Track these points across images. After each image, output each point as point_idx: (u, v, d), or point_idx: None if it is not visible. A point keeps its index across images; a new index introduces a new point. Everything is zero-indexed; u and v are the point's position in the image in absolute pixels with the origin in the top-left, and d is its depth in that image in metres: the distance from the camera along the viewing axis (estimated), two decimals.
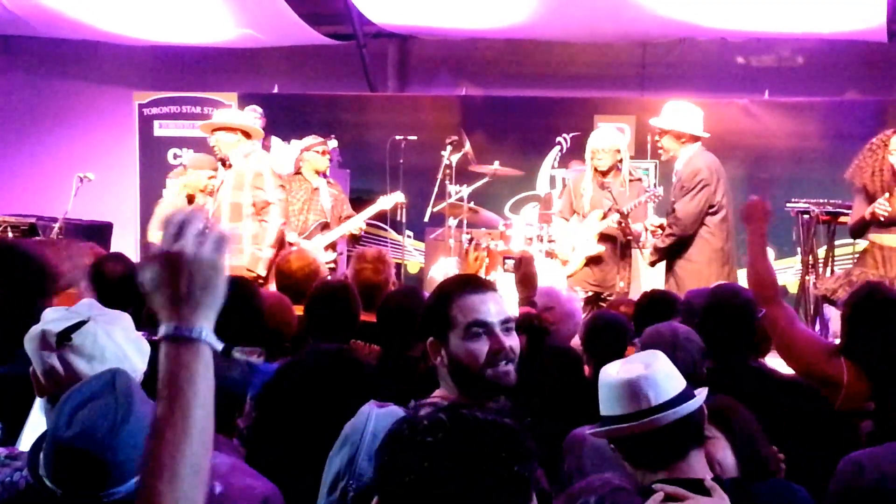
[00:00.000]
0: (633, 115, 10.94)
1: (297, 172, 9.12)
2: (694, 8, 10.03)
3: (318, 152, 9.06)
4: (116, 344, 3.05)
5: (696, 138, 7.89)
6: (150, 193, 11.25)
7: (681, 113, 7.91)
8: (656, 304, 5.05)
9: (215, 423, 1.79)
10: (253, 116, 10.46)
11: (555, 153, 11.06)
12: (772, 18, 10.04)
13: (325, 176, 9.17)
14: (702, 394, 2.75)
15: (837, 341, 4.29)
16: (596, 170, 8.04)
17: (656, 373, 2.69)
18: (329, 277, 6.85)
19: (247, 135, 8.03)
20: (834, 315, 7.69)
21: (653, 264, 8.09)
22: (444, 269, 9.10)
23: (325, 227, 8.97)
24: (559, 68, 11.85)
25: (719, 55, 11.34)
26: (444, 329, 2.76)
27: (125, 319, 3.19)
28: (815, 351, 4.05)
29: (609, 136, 8.26)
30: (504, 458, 1.74)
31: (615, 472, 2.79)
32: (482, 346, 2.74)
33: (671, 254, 7.78)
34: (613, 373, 2.73)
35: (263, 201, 7.86)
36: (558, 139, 11.08)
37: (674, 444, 2.67)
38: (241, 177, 7.92)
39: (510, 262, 5.83)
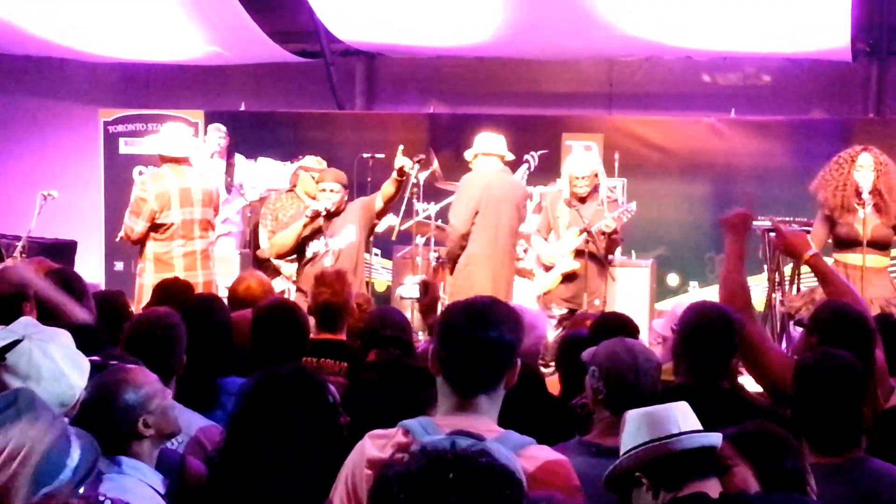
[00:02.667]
0: (601, 133, 10.97)
1: (291, 190, 9.08)
2: (660, 27, 10.07)
3: (313, 177, 9.01)
4: (53, 361, 3.00)
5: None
6: (115, 211, 11.15)
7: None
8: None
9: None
10: (217, 136, 10.44)
11: (522, 171, 11.04)
12: (737, 38, 10.09)
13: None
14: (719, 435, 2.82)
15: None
16: (574, 195, 8.09)
17: (682, 407, 2.80)
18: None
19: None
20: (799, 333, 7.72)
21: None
22: (410, 287, 9.07)
23: None
24: (527, 86, 11.88)
25: (686, 74, 11.39)
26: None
27: (63, 336, 3.14)
28: (784, 367, 4.03)
29: (587, 163, 8.34)
30: (510, 493, 1.78)
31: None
32: None
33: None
34: (637, 410, 2.83)
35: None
36: (526, 157, 11.07)
37: (697, 466, 2.73)
38: None
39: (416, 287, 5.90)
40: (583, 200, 8.10)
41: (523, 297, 8.39)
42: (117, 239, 7.67)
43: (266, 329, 4.73)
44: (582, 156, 8.64)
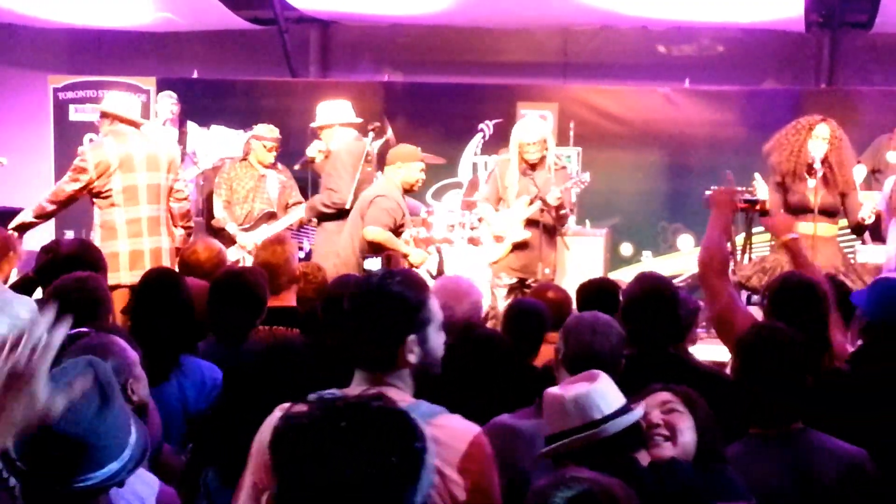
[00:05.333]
0: (556, 102, 10.98)
1: (244, 159, 9.00)
2: None
3: (265, 146, 8.94)
4: None
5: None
6: None
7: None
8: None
9: None
10: (169, 103, 10.33)
11: (477, 140, 11.05)
12: (692, 7, 10.13)
13: (273, 164, 9.07)
14: (640, 407, 2.88)
15: None
16: (525, 161, 8.05)
17: (601, 388, 2.81)
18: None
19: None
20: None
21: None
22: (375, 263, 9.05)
23: (271, 216, 8.86)
24: (482, 55, 11.85)
25: (640, 43, 11.41)
26: (425, 324, 2.77)
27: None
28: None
29: (537, 129, 8.27)
30: (403, 440, 1.79)
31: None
32: (443, 339, 2.85)
33: None
34: (559, 393, 2.84)
35: None
36: (481, 126, 11.07)
37: (622, 450, 2.77)
38: None
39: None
40: (533, 167, 8.07)
41: (474, 265, 8.40)
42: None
43: (221, 298, 4.72)
44: (531, 122, 8.59)
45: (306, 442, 1.77)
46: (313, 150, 8.78)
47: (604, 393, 2.80)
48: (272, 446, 1.85)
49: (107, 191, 7.22)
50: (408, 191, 7.87)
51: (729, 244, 8.50)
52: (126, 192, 7.26)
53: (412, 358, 2.73)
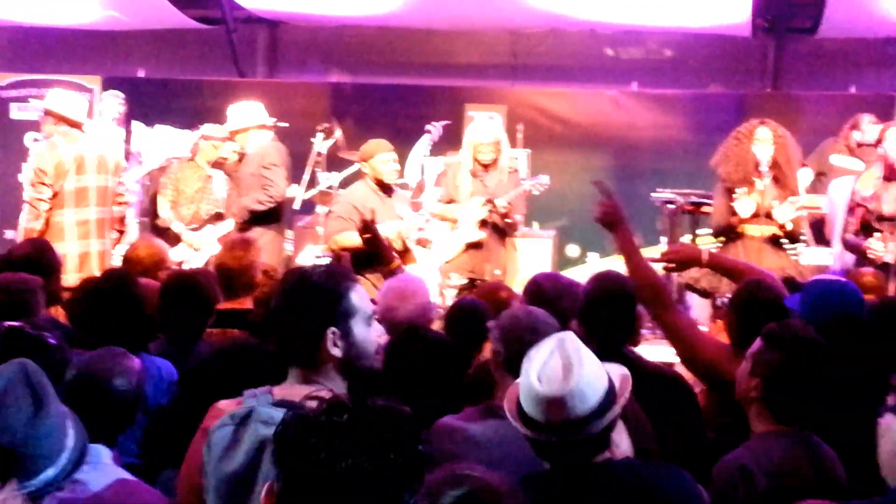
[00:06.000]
0: (505, 104, 11.00)
1: (191, 159, 8.92)
2: None
3: (213, 146, 8.87)
4: None
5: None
6: (5, 178, 10.90)
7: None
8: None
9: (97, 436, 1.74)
10: (115, 103, 10.22)
11: (425, 142, 11.02)
12: (640, 11, 10.19)
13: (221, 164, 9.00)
14: (621, 401, 2.78)
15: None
16: (478, 163, 8.07)
17: (574, 387, 2.69)
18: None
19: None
20: (697, 303, 7.85)
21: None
22: (311, 256, 9.01)
23: (218, 216, 8.79)
24: (430, 57, 11.85)
25: (589, 46, 11.46)
26: (346, 316, 2.72)
27: None
28: (720, 353, 4.05)
29: (491, 130, 8.29)
30: (405, 438, 1.80)
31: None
32: (375, 333, 2.80)
33: None
34: (535, 376, 2.73)
35: None
36: (427, 127, 11.05)
37: (594, 447, 2.72)
38: None
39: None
40: (486, 168, 8.08)
41: (424, 266, 8.38)
42: (27, 222, 7.27)
43: (172, 300, 4.68)
44: (485, 123, 8.62)
45: (312, 436, 1.78)
46: (227, 152, 8.74)
47: (581, 395, 2.69)
48: (277, 439, 1.85)
49: (60, 192, 7.14)
50: (383, 185, 7.77)
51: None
52: (78, 194, 7.18)
53: (335, 352, 2.69)
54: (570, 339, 2.80)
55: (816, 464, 3.25)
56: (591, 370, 2.74)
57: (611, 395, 2.75)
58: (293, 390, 2.66)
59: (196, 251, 8.49)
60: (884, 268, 6.96)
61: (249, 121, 8.58)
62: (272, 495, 1.83)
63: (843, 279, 4.64)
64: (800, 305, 4.07)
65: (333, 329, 2.68)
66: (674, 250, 5.09)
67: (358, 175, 9.02)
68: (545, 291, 4.40)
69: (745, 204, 7.11)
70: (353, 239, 7.21)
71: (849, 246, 7.47)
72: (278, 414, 2.52)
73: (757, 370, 3.36)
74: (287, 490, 1.80)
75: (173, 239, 8.53)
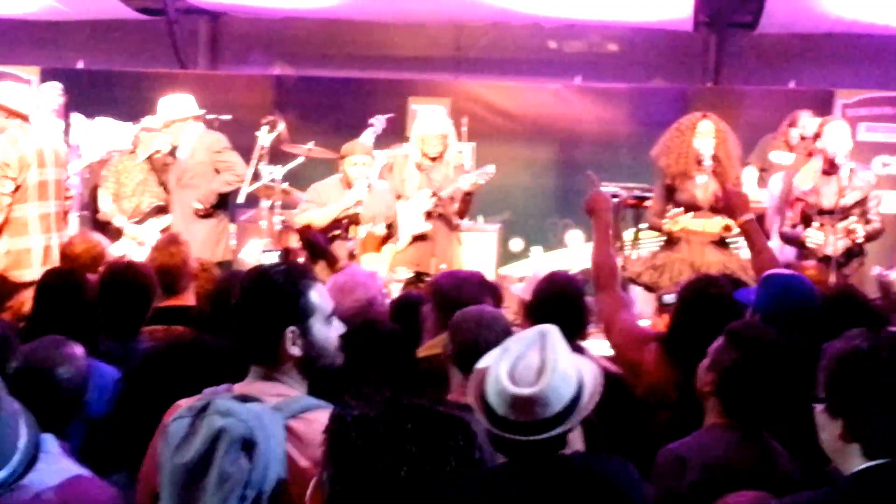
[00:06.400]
0: (448, 97, 11.00)
1: (133, 151, 8.82)
2: None
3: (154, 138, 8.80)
4: None
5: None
6: None
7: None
8: None
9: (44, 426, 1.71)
10: (54, 94, 10.07)
11: (368, 134, 10.98)
12: (584, 5, 10.23)
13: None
14: (592, 399, 2.77)
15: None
16: (425, 155, 8.08)
17: (547, 387, 2.66)
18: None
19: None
20: (640, 297, 7.90)
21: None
22: (255, 251, 8.96)
23: (161, 210, 8.70)
24: (374, 49, 11.81)
25: (533, 40, 11.49)
26: (306, 315, 2.73)
27: None
28: (629, 338, 4.14)
29: (439, 123, 8.31)
30: (464, 445, 1.83)
31: None
32: (335, 332, 2.80)
33: None
34: (505, 374, 2.69)
35: None
36: (371, 121, 11.01)
37: (555, 446, 2.71)
38: None
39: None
40: (433, 161, 8.09)
41: (374, 259, 8.37)
42: None
43: (109, 293, 4.62)
44: (433, 116, 8.63)
45: (372, 438, 1.78)
46: (162, 144, 8.66)
47: (550, 397, 2.66)
48: (332, 436, 1.83)
49: (23, 185, 7.03)
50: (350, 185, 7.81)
51: (618, 240, 8.68)
52: (40, 188, 7.07)
53: (295, 350, 2.71)
54: (552, 334, 2.76)
55: (762, 459, 3.29)
56: (563, 372, 2.71)
57: (579, 396, 2.73)
58: (254, 387, 2.68)
59: (139, 245, 8.40)
60: (825, 260, 7.06)
61: (186, 112, 8.52)
62: (320, 492, 1.81)
63: (797, 274, 4.71)
64: (756, 300, 4.12)
65: (293, 328, 2.70)
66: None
67: (302, 167, 9.06)
68: (443, 289, 4.42)
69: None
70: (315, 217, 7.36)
71: (787, 238, 7.56)
72: (236, 406, 2.52)
73: (714, 366, 3.42)
74: (340, 490, 1.78)
75: (115, 233, 8.44)
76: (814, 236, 7.28)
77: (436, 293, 4.45)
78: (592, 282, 4.59)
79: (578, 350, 4.00)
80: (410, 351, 4.25)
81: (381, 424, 1.80)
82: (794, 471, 3.31)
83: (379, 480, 1.76)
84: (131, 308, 4.64)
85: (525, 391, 2.64)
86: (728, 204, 5.38)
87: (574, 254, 10.37)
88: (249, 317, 2.73)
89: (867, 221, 7.39)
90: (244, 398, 2.58)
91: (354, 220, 7.70)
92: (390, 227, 7.88)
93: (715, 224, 7.12)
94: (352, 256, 7.71)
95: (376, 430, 1.79)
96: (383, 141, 10.49)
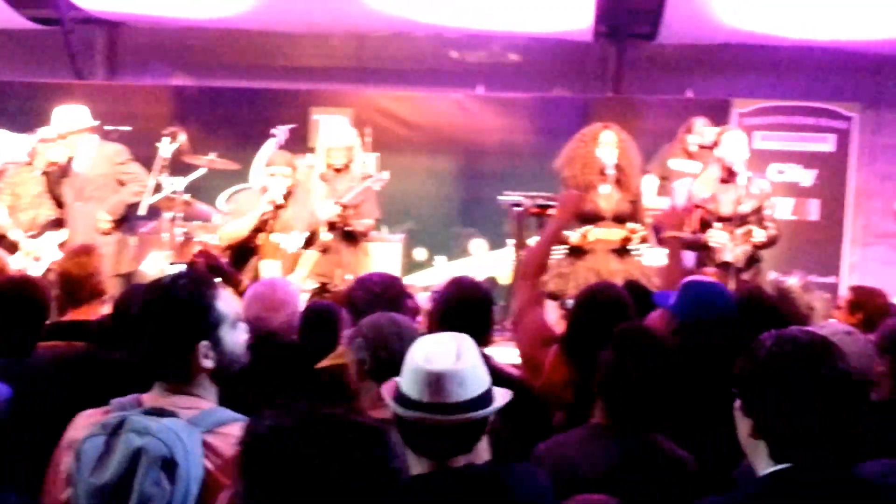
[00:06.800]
0: (351, 107, 10.98)
1: (30, 163, 8.63)
2: (410, 3, 10.15)
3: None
4: None
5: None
6: None
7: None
8: None
9: None
10: None
11: (270, 145, 10.91)
12: (485, 16, 10.28)
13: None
14: (504, 397, 2.78)
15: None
16: (330, 166, 8.08)
17: (464, 369, 2.68)
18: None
19: None
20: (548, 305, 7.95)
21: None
22: (157, 263, 8.83)
23: (58, 223, 8.52)
24: (275, 60, 11.73)
25: (435, 50, 11.51)
26: (215, 326, 2.69)
27: None
28: (535, 335, 4.17)
29: (345, 135, 8.33)
30: (380, 454, 1.79)
31: None
32: (242, 335, 2.79)
33: None
34: (422, 357, 2.71)
35: None
36: (274, 131, 10.95)
37: (466, 438, 2.70)
38: None
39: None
40: (338, 173, 8.09)
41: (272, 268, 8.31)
42: None
43: (2, 309, 4.50)
44: (339, 128, 8.65)
45: (284, 449, 1.74)
46: (59, 155, 8.51)
47: (462, 378, 2.68)
48: (245, 449, 1.79)
49: None
50: None
51: (522, 249, 8.73)
52: None
53: (207, 364, 2.68)
54: (467, 338, 2.81)
55: (629, 461, 3.33)
56: (477, 364, 2.74)
57: (491, 393, 2.75)
58: (166, 401, 2.63)
59: (36, 260, 8.23)
60: (724, 267, 7.19)
61: (82, 123, 8.39)
62: None
63: (715, 281, 4.81)
64: (676, 306, 4.18)
65: (205, 342, 2.67)
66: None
67: (204, 179, 8.97)
68: (356, 300, 4.41)
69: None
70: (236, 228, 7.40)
71: (687, 244, 7.68)
72: (153, 424, 2.47)
73: (600, 367, 3.46)
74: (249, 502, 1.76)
75: (10, 246, 8.27)
76: (717, 236, 7.42)
77: (351, 302, 4.42)
78: (522, 274, 4.64)
79: (483, 357, 4.03)
80: (312, 362, 4.23)
81: (294, 435, 1.78)
82: (679, 475, 3.35)
83: (292, 493, 1.74)
84: (24, 324, 4.51)
85: (441, 367, 2.66)
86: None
87: (478, 262, 10.42)
88: (157, 332, 2.67)
89: (763, 229, 7.55)
90: (159, 412, 2.54)
91: (262, 227, 7.61)
92: (313, 235, 7.80)
93: (617, 233, 7.21)
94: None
95: (290, 442, 1.77)
96: (287, 151, 10.43)
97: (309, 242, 7.75)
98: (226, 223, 7.82)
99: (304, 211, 7.74)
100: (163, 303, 2.67)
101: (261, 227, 7.58)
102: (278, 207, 7.60)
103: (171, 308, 2.65)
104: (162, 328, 2.66)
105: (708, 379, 3.51)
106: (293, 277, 7.16)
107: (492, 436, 2.87)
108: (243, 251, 7.61)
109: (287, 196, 7.64)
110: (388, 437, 1.83)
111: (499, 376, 4.00)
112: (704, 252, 7.52)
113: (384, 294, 4.32)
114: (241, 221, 7.61)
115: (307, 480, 1.73)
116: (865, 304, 5.72)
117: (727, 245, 7.41)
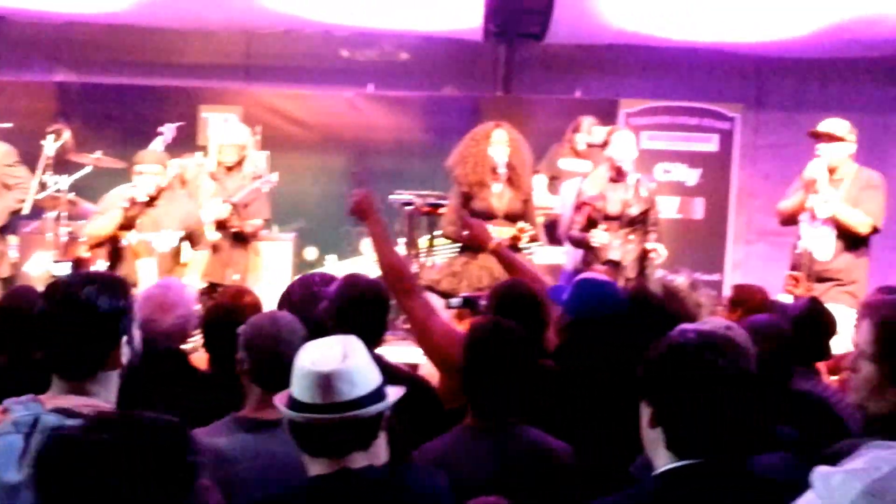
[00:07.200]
0: (240, 105, 10.87)
1: None
2: (299, 1, 10.10)
3: None
4: None
5: None
6: None
7: None
8: None
9: None
10: None
11: (158, 143, 10.75)
12: (375, 14, 10.27)
13: None
14: (397, 393, 2.81)
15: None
16: (221, 165, 8.01)
17: (351, 368, 2.69)
18: None
19: None
20: (438, 304, 7.97)
21: None
22: (41, 263, 8.65)
23: None
24: (163, 56, 11.54)
25: (324, 48, 11.45)
26: (131, 324, 2.75)
27: None
28: (453, 341, 4.13)
29: (236, 133, 8.27)
30: (174, 451, 1.78)
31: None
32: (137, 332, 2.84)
33: None
34: (309, 361, 2.71)
35: None
36: (161, 129, 10.79)
37: (361, 435, 2.70)
38: None
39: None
40: (228, 171, 8.02)
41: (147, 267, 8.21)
42: None
43: None
44: (231, 125, 8.60)
45: (75, 458, 1.72)
46: None
47: (350, 376, 2.69)
48: (38, 463, 1.76)
49: None
50: None
51: (413, 248, 8.76)
52: None
53: (124, 359, 2.71)
54: (354, 339, 2.82)
55: (510, 457, 3.37)
56: (366, 363, 2.75)
57: (382, 391, 2.76)
58: (67, 401, 2.59)
59: None
60: (614, 265, 7.30)
61: None
62: None
63: (607, 279, 4.87)
64: (567, 303, 4.22)
65: (125, 338, 2.71)
66: (475, 224, 5.67)
67: (89, 177, 8.80)
68: (292, 297, 4.39)
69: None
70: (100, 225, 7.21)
71: (574, 241, 7.80)
72: (69, 422, 2.42)
73: (462, 365, 3.48)
74: None
75: None
76: (598, 236, 7.52)
77: (289, 300, 4.38)
78: (392, 292, 4.45)
79: (378, 359, 4.03)
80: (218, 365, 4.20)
81: (80, 442, 1.76)
82: (552, 465, 3.40)
83: (89, 500, 1.72)
84: None
85: (329, 368, 2.67)
86: (472, 236, 5.65)
87: (370, 261, 10.40)
88: (75, 337, 2.65)
89: (647, 231, 7.71)
90: (65, 412, 2.50)
91: (130, 225, 7.47)
92: (191, 234, 7.69)
93: (508, 232, 7.27)
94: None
95: (76, 450, 1.75)
96: (174, 149, 10.30)
97: (189, 242, 7.65)
98: (93, 221, 7.68)
99: (177, 209, 7.63)
100: (81, 308, 2.64)
101: (128, 225, 7.45)
102: (148, 206, 7.48)
103: (88, 313, 2.64)
104: (83, 332, 2.64)
105: (599, 376, 3.55)
106: (186, 280, 7.07)
107: (388, 434, 2.88)
108: (117, 250, 7.49)
109: (157, 195, 7.52)
110: (184, 432, 1.83)
111: (394, 374, 4.03)
112: (591, 251, 7.62)
113: (321, 293, 4.29)
114: (104, 219, 7.49)
115: (99, 484, 1.72)
116: (745, 301, 5.88)
117: (611, 244, 7.52)
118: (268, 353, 3.37)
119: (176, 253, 7.63)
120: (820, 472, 1.55)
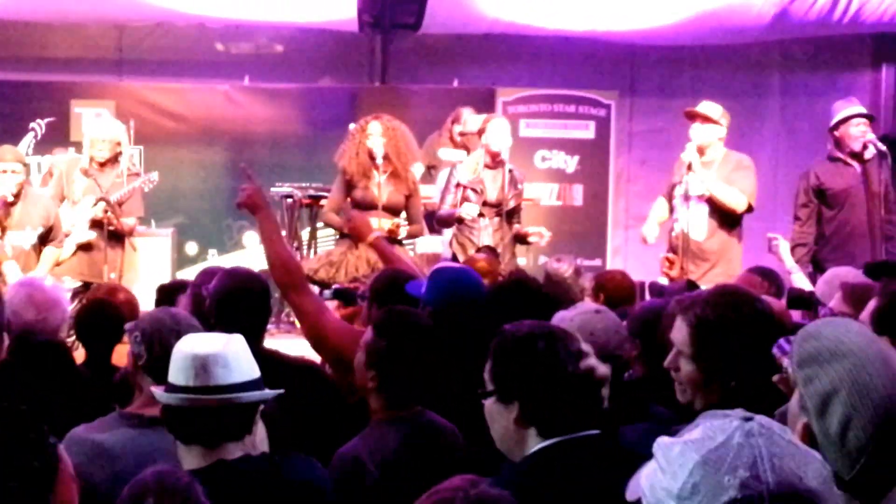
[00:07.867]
0: (112, 99, 10.67)
1: None
2: None
3: None
4: None
5: None
6: None
7: None
8: None
9: None
10: None
11: (29, 139, 10.52)
12: (249, 6, 10.19)
13: None
14: (277, 391, 2.82)
15: None
16: (94, 160, 7.87)
17: (230, 353, 2.72)
18: None
19: None
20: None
21: None
22: None
23: None
24: (32, 51, 11.26)
25: (198, 41, 11.31)
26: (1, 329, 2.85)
27: None
28: (348, 338, 4.09)
29: (109, 128, 8.12)
30: (28, 442, 1.78)
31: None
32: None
33: None
34: (188, 345, 2.75)
35: None
36: (32, 125, 10.55)
37: (235, 424, 2.72)
38: None
39: None
40: (101, 167, 7.89)
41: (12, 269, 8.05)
42: None
43: None
44: (104, 121, 8.45)
45: None
46: None
47: (227, 361, 2.71)
48: None
49: None
50: None
51: (295, 239, 8.73)
52: None
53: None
54: (237, 336, 2.84)
55: (433, 444, 3.40)
56: (246, 353, 2.77)
57: (259, 383, 2.77)
58: None
59: None
60: (491, 251, 7.38)
61: None
62: None
63: (465, 267, 4.92)
64: (426, 293, 4.24)
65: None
66: (357, 216, 5.86)
67: None
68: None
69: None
70: None
71: (441, 221, 7.88)
72: None
73: (370, 360, 3.46)
74: None
75: None
76: (467, 209, 7.60)
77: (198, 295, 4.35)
78: (282, 288, 4.41)
79: (267, 353, 4.02)
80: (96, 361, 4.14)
81: None
82: (459, 450, 3.45)
83: None
84: None
85: (207, 351, 2.71)
86: (353, 227, 5.80)
87: (252, 255, 10.32)
88: None
89: (517, 222, 7.85)
90: None
91: None
92: (49, 232, 7.53)
93: (386, 223, 7.30)
94: None
95: None
96: (45, 145, 10.10)
97: (44, 239, 7.50)
98: None
99: (36, 207, 7.49)
100: None
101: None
102: (10, 205, 7.33)
103: None
104: None
105: (463, 364, 3.58)
106: (55, 278, 6.93)
107: (270, 425, 2.89)
108: None
109: (18, 193, 7.37)
110: (39, 425, 1.84)
111: (288, 365, 4.04)
112: (465, 236, 7.68)
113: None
114: None
115: None
116: (605, 286, 6.03)
117: (481, 223, 7.62)
118: (167, 347, 3.33)
119: (37, 250, 7.48)
120: (660, 443, 1.59)
